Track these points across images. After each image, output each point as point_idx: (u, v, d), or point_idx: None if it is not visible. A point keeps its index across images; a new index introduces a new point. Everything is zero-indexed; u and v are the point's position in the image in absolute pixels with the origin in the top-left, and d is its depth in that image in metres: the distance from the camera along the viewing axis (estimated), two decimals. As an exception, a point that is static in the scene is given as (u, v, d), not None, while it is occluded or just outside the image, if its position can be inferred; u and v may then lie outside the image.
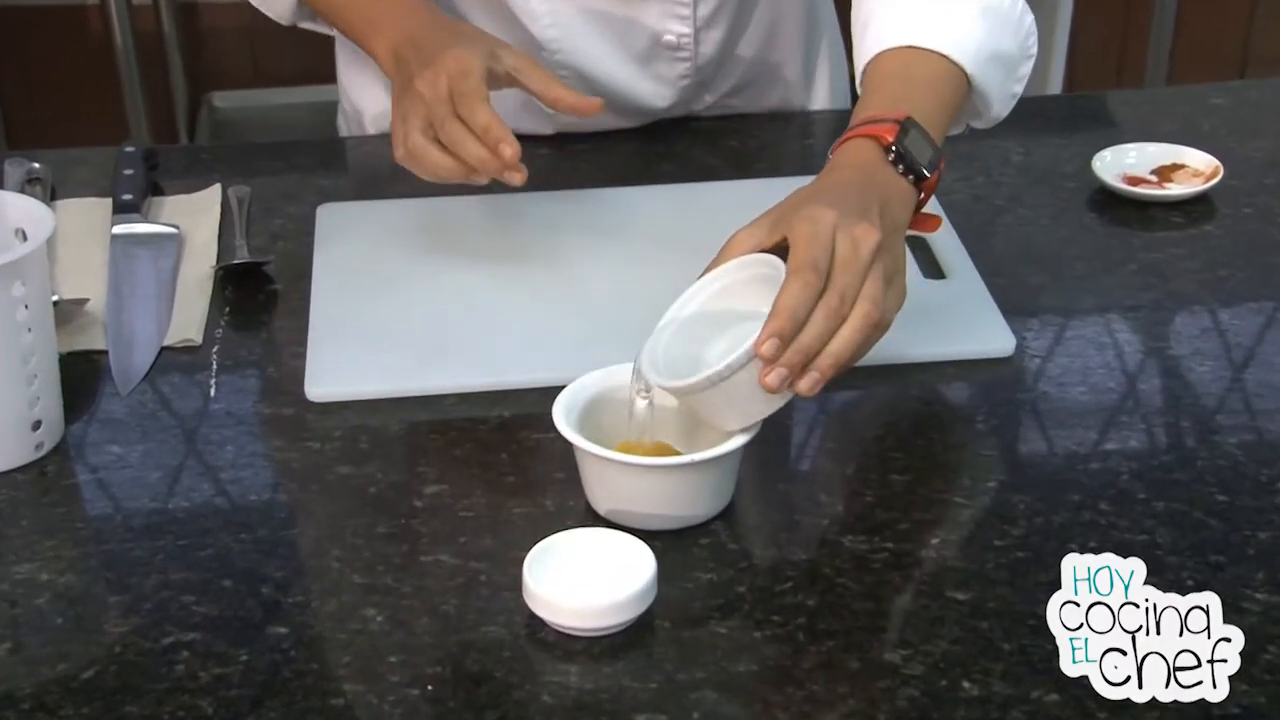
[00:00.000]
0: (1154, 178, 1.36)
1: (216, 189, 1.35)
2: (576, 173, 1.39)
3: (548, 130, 1.44)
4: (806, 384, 0.95)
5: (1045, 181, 1.37)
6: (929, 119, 1.08)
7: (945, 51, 1.11)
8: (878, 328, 0.98)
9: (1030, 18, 1.19)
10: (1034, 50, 1.20)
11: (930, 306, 1.17)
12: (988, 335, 1.15)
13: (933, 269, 1.23)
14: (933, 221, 1.10)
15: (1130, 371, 1.12)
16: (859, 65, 1.15)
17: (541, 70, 1.18)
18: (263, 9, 1.35)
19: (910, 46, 1.12)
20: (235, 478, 1.03)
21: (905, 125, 1.06)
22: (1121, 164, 1.37)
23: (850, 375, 1.10)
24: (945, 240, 1.25)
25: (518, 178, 1.12)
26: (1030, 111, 1.30)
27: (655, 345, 0.99)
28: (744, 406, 0.95)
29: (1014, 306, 1.18)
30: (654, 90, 1.41)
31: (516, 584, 0.91)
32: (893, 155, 1.05)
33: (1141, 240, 1.29)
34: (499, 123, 1.11)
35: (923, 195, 1.06)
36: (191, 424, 1.08)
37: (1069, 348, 1.14)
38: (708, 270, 1.01)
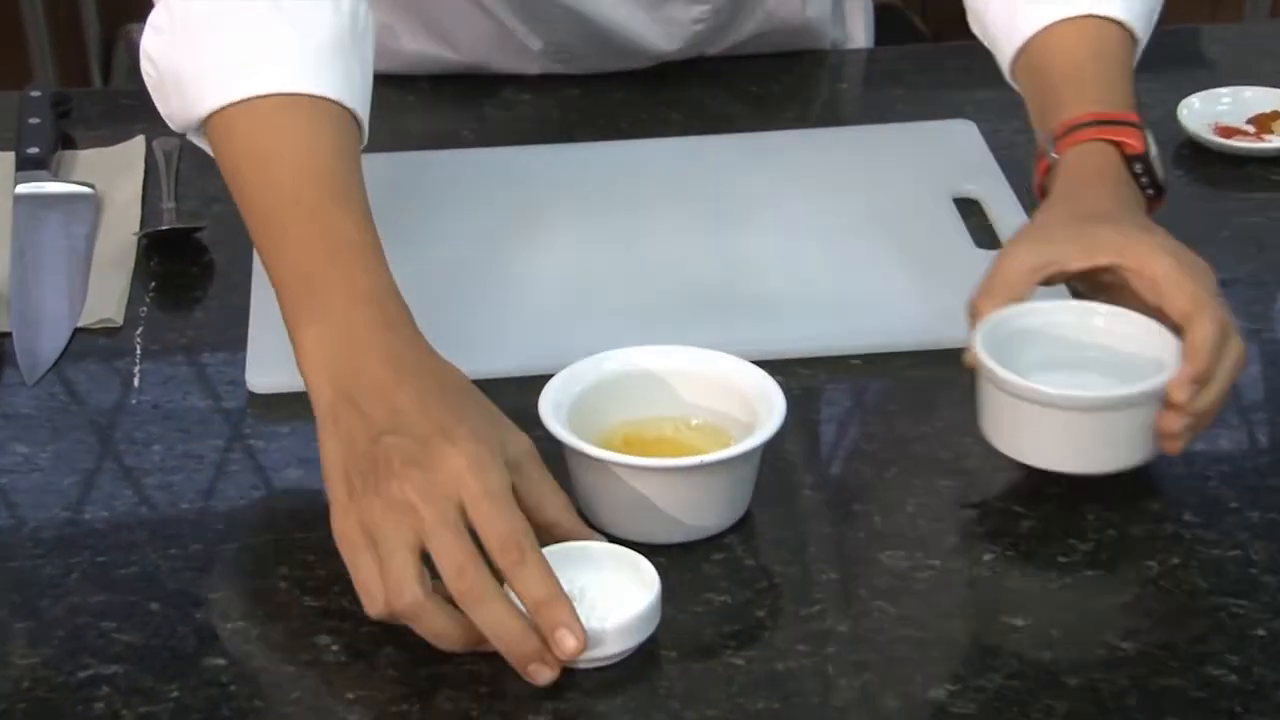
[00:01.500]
0: (1251, 128, 1.37)
1: (139, 141, 1.36)
2: (567, 123, 1.41)
3: (531, 70, 1.45)
4: (1179, 444, 0.97)
5: (1122, 133, 1.38)
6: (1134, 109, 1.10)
7: (1123, 19, 1.13)
8: None
9: None
10: None
11: (985, 281, 1.18)
12: (1052, 315, 1.16)
13: (987, 237, 1.24)
14: None
15: (1221, 358, 1.13)
16: (1015, 30, 1.15)
17: (562, 500, 0.94)
18: (159, 105, 1.13)
19: (1089, 15, 1.13)
20: (164, 483, 1.04)
21: (1144, 129, 1.08)
22: (1213, 112, 1.38)
23: (891, 362, 1.12)
24: (1001, 202, 1.27)
25: (547, 674, 0.88)
26: (1105, 50, 1.32)
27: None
28: (1085, 447, 0.98)
29: (1084, 281, 1.20)
30: (662, 33, 1.43)
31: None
32: (1140, 168, 1.07)
33: (1236, 202, 1.30)
34: (561, 593, 0.87)
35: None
36: (111, 420, 1.09)
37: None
38: (984, 303, 1.02)
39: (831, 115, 1.45)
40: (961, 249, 1.22)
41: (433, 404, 0.92)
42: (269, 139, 1.04)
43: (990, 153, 1.33)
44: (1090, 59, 1.13)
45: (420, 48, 1.45)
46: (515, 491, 0.90)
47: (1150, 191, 1.09)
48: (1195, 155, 1.35)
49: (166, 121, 1.12)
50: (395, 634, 0.92)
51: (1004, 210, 1.26)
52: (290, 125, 1.04)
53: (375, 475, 0.89)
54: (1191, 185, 1.32)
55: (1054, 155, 1.09)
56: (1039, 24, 1.14)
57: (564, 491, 0.94)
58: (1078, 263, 1.01)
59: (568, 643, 0.86)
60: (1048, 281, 1.02)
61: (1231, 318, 0.99)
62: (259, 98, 1.03)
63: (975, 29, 1.22)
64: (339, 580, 0.96)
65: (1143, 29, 1.15)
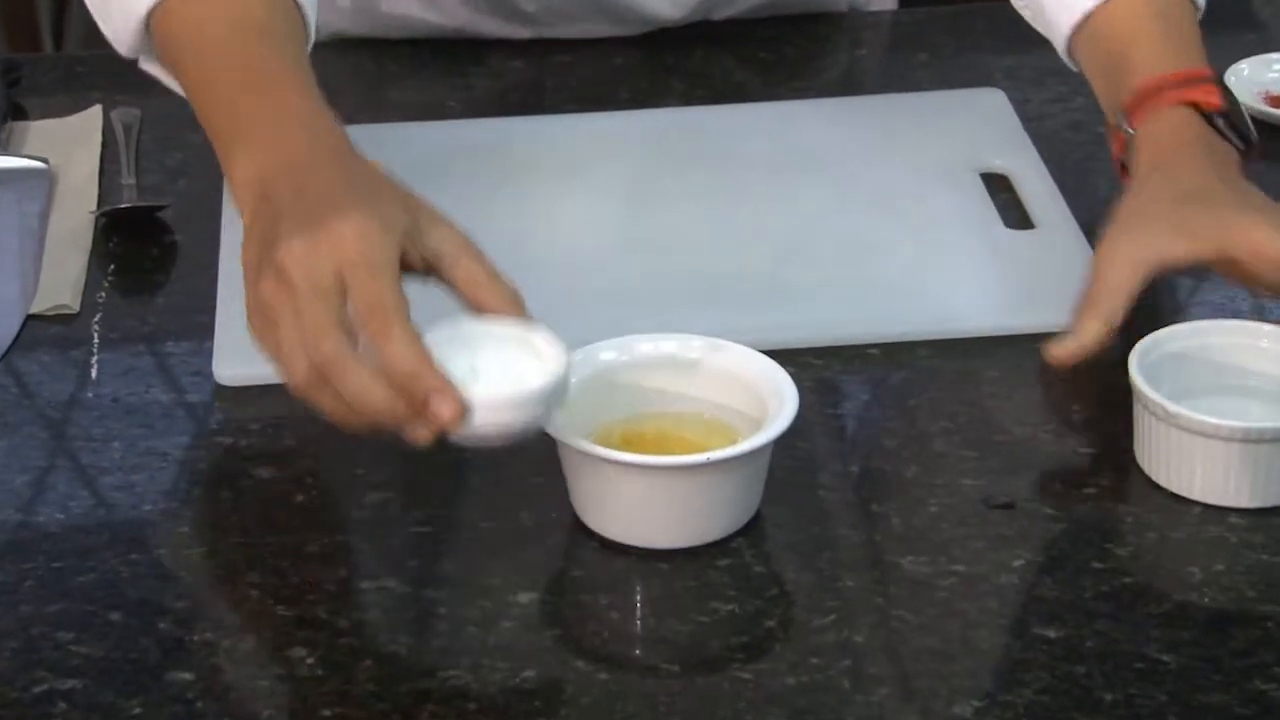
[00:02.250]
0: (1305, 98, 1.38)
1: (97, 111, 1.37)
2: (560, 92, 1.41)
3: (522, 34, 1.45)
4: None
5: (1164, 103, 1.39)
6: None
7: None
8: None
9: None
10: None
11: (1014, 264, 1.19)
12: (1088, 301, 1.17)
13: (1018, 216, 1.25)
14: None
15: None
16: (1075, 3, 1.17)
17: (478, 260, 0.98)
18: (103, 28, 1.16)
19: None
20: (124, 483, 1.05)
21: (1221, 84, 1.10)
22: (1264, 79, 1.38)
23: (912, 351, 1.13)
24: (1032, 177, 1.27)
25: (423, 432, 0.93)
26: (1145, 12, 1.32)
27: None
28: (1262, 481, 0.99)
29: (1122, 264, 1.20)
30: (666, 1, 1.43)
31: (482, 618, 0.94)
32: (1223, 123, 1.10)
33: (1288, 179, 1.31)
34: (428, 361, 0.92)
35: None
36: (66, 414, 1.10)
37: (1193, 317, 1.16)
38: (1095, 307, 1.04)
39: (849, 83, 1.45)
40: (989, 228, 1.23)
41: (340, 188, 0.98)
42: (204, 8, 1.09)
43: (1021, 124, 1.34)
44: (1154, 19, 1.15)
45: (401, 9, 1.45)
46: (455, 286, 0.96)
47: (1241, 145, 1.10)
48: (1244, 127, 1.35)
49: (114, 45, 1.15)
50: (375, 646, 0.93)
51: (1035, 186, 1.26)
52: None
53: (270, 251, 0.94)
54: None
55: (1129, 130, 1.11)
56: None
57: (510, 284, 0.98)
58: (1181, 256, 1.03)
59: (442, 409, 0.91)
60: (1155, 276, 1.04)
61: None
62: None
63: (1024, 11, 1.24)
64: (314, 588, 0.97)
65: None
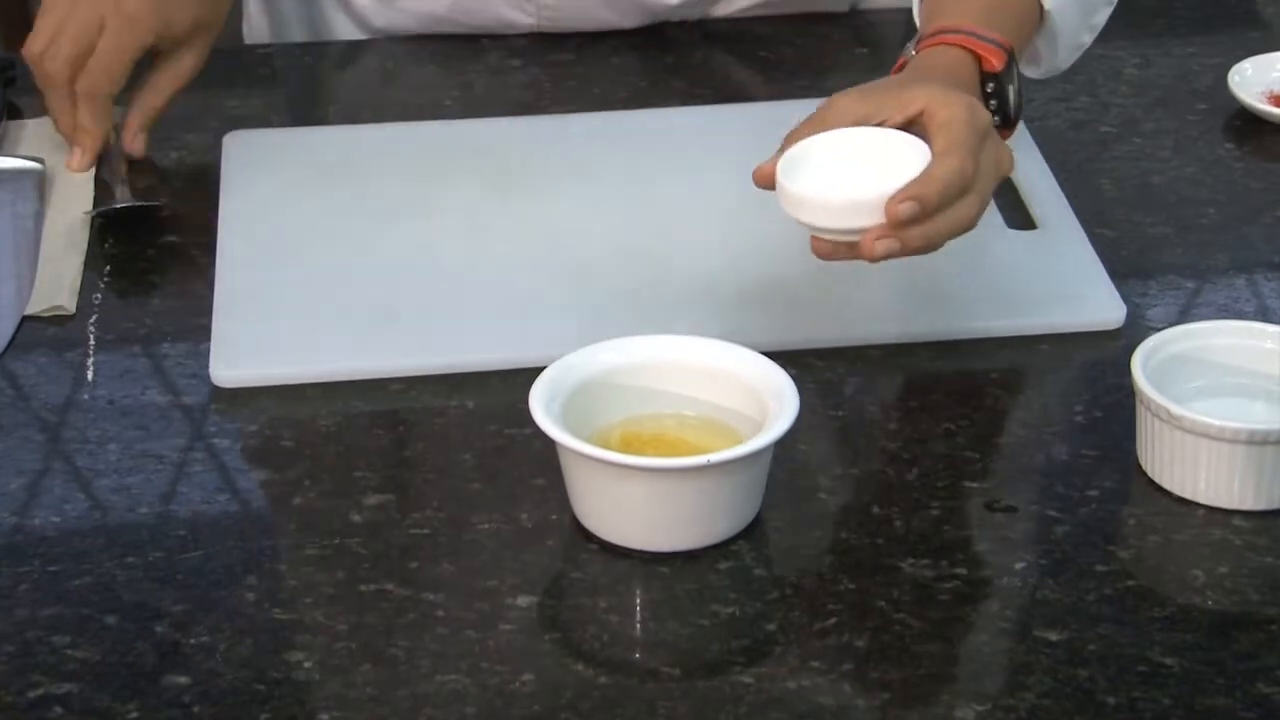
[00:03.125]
0: (1310, 97, 1.38)
1: (92, 112, 1.37)
2: (560, 90, 1.41)
3: (522, 24, 1.45)
4: (883, 247, 1.01)
5: (1168, 102, 1.39)
6: (1018, 52, 1.13)
7: None
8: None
9: None
10: None
11: (1017, 265, 1.19)
12: (1090, 302, 1.17)
13: (1020, 217, 1.25)
14: None
15: None
16: None
17: (158, 94, 1.34)
18: None
19: None
20: (120, 485, 1.05)
21: (1012, 55, 1.11)
22: (1267, 79, 1.38)
23: (913, 353, 1.13)
24: (1037, 179, 1.27)
25: (74, 163, 1.30)
26: (1149, 9, 1.33)
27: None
28: (1267, 483, 1.00)
29: (1125, 265, 1.20)
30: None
31: (481, 621, 0.94)
32: (992, 86, 1.11)
33: (1292, 179, 1.31)
34: (94, 134, 1.29)
35: None
36: (62, 416, 1.10)
37: (1197, 318, 1.16)
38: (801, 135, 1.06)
39: (850, 82, 1.44)
40: (991, 229, 1.22)
41: None
42: None
43: (1023, 123, 1.33)
44: None
45: (412, 4, 1.45)
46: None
47: (997, 119, 1.11)
48: (1247, 126, 1.36)
49: None
50: (373, 650, 0.93)
51: (1037, 186, 1.26)
52: None
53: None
54: (1243, 160, 1.33)
55: (913, 52, 1.13)
56: None
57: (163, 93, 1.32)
58: (895, 115, 1.04)
59: (74, 158, 1.30)
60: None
61: (988, 195, 1.04)
62: None
63: None
64: (311, 591, 0.97)
65: (1054, 4, 1.17)
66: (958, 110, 1.03)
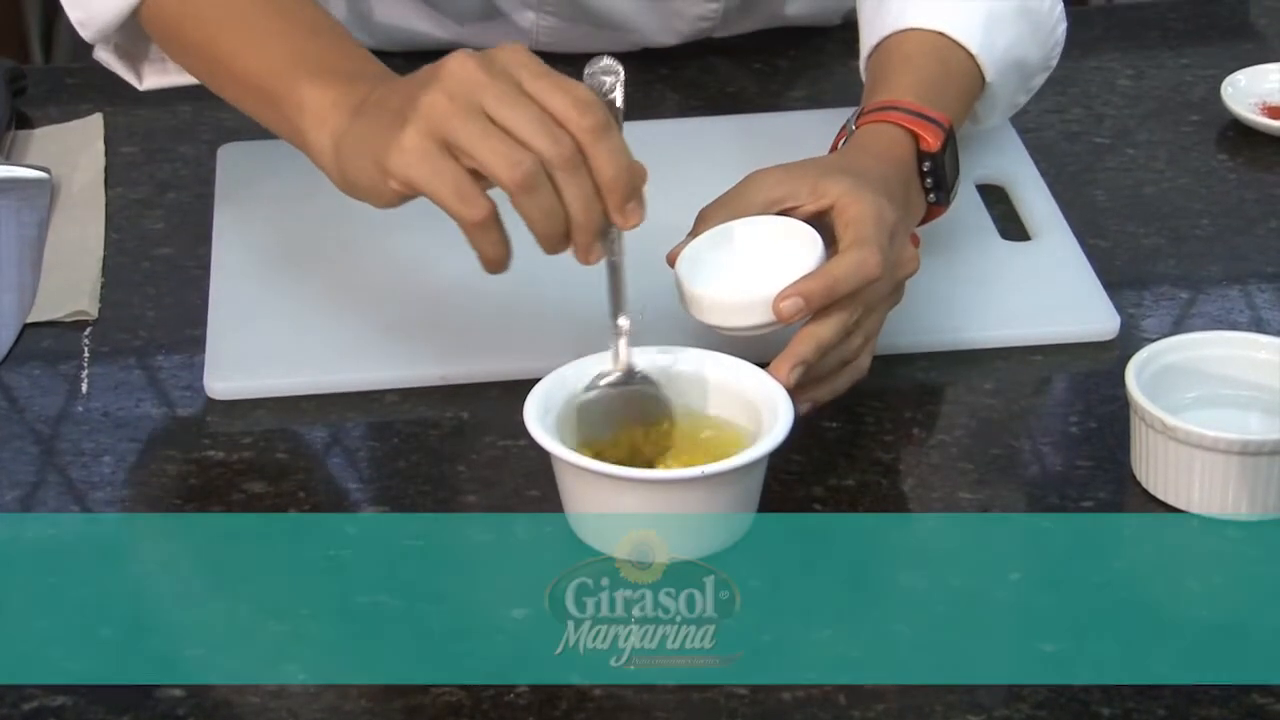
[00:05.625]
0: (1303, 108, 1.38)
1: (98, 119, 1.37)
2: (554, 102, 1.41)
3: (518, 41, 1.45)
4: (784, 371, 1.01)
5: (1161, 113, 1.39)
6: (957, 127, 1.15)
7: (974, 50, 1.18)
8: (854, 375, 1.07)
9: (1064, 27, 1.26)
10: (1055, 63, 1.27)
11: (1011, 276, 1.19)
12: (1084, 313, 1.17)
13: (1015, 228, 1.25)
14: None
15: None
16: (875, 31, 1.20)
17: None
18: (71, 12, 1.20)
19: (942, 33, 1.17)
20: (114, 497, 1.05)
21: (950, 134, 1.13)
22: (1260, 90, 1.38)
23: (908, 364, 1.13)
24: (1031, 190, 1.27)
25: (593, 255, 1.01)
26: (1142, 20, 1.33)
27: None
28: (1261, 492, 1.00)
29: (1119, 276, 1.21)
30: (664, 27, 1.43)
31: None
32: (928, 165, 1.12)
33: (1285, 189, 1.31)
34: (631, 160, 0.98)
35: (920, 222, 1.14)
36: (56, 429, 1.10)
37: (1191, 329, 1.16)
38: (714, 214, 1.08)
39: (845, 93, 1.45)
40: (986, 240, 1.23)
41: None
42: None
43: (1017, 134, 1.34)
44: (932, 60, 1.17)
45: (396, 21, 1.45)
46: None
47: (931, 197, 1.13)
48: (1240, 138, 1.36)
49: (79, 29, 1.19)
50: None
51: (1032, 197, 1.26)
52: None
53: (414, 100, 0.96)
54: (1236, 171, 1.33)
55: (853, 127, 1.14)
56: (899, 23, 1.18)
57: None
58: (808, 204, 1.06)
59: (635, 215, 0.99)
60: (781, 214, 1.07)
61: (900, 281, 1.06)
62: None
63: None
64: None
65: (994, 67, 1.18)
66: (866, 209, 1.04)
